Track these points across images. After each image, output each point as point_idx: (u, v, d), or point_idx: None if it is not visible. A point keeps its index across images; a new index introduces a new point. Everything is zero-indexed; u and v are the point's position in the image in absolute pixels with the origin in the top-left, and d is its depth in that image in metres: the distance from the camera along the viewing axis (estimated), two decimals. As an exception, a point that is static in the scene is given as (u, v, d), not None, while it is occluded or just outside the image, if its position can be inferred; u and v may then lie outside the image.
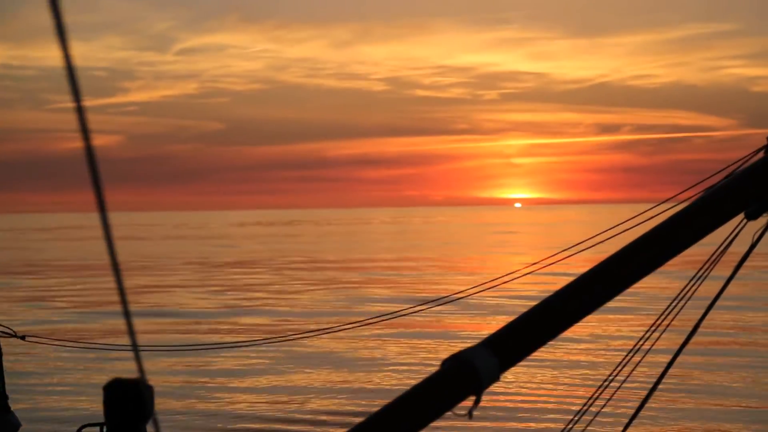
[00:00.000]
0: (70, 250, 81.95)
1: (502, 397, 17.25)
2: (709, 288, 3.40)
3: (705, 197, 3.03)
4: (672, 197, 3.41)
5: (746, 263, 3.31)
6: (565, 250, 4.53)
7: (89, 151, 1.77)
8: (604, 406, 3.56)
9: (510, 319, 2.84)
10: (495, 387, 2.71)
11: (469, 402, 2.63)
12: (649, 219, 3.27)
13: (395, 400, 2.61)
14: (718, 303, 3.37)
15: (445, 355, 2.71)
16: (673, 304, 3.37)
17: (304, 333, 9.55)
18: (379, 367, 21.50)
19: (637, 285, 2.96)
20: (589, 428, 3.62)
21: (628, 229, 3.63)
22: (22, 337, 9.26)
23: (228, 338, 25.62)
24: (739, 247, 3.35)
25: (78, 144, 1.80)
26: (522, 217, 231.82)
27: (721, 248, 3.27)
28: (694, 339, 3.35)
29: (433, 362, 18.68)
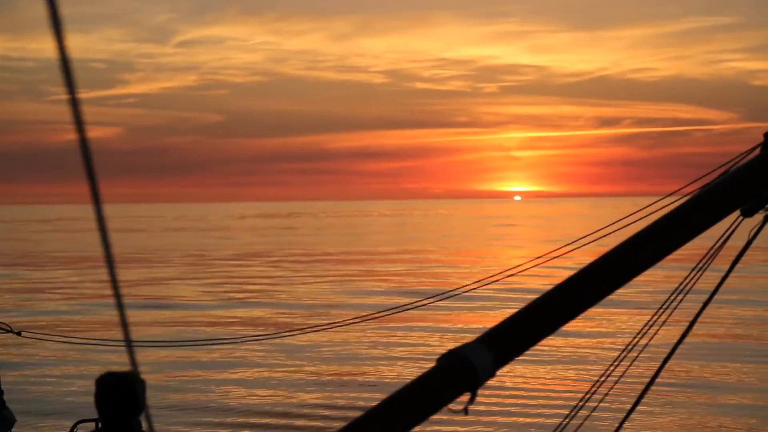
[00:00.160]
0: (70, 242, 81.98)
1: (498, 393, 17.24)
2: (705, 283, 3.39)
3: (701, 194, 3.02)
4: (676, 191, 3.38)
5: (743, 258, 3.30)
6: (570, 243, 4.51)
7: (83, 143, 1.76)
8: (601, 401, 3.55)
9: (511, 312, 2.83)
10: (491, 382, 2.70)
11: (465, 398, 2.63)
12: (654, 212, 3.26)
13: (391, 396, 2.60)
14: (715, 297, 3.36)
15: (442, 350, 2.70)
16: (670, 299, 3.37)
17: (304, 329, 9.51)
18: (373, 361, 21.49)
19: (633, 280, 2.95)
20: (586, 423, 3.61)
21: (633, 222, 3.62)
22: (18, 333, 9.13)
23: (224, 332, 25.57)
24: (734, 242, 3.35)
25: (75, 136, 1.79)
26: (522, 210, 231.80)
27: (716, 246, 3.26)
28: (690, 333, 3.34)
29: (431, 356, 18.66)
